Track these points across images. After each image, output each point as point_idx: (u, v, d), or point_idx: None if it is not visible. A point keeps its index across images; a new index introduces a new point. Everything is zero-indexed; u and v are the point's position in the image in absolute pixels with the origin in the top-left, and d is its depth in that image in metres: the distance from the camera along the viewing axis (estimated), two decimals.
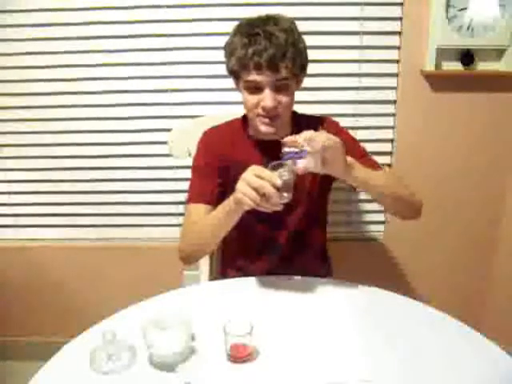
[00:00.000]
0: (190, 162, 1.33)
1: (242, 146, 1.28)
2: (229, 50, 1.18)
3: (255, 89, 1.15)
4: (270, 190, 0.95)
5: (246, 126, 1.30)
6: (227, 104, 1.66)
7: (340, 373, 0.89)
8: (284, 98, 1.15)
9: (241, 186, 0.99)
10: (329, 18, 1.59)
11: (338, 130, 1.29)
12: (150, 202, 1.81)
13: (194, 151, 1.34)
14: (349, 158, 1.06)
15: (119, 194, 1.80)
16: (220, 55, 1.62)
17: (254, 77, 1.12)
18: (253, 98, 1.16)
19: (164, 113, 1.70)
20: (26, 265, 1.89)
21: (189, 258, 1.25)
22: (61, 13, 1.60)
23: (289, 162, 0.99)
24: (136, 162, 1.77)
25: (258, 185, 0.96)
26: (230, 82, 1.64)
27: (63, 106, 1.71)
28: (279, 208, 1.00)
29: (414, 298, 1.13)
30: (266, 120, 1.17)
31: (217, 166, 1.26)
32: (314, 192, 1.30)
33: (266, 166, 1.00)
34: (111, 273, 1.88)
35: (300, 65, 1.16)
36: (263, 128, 1.19)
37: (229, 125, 1.33)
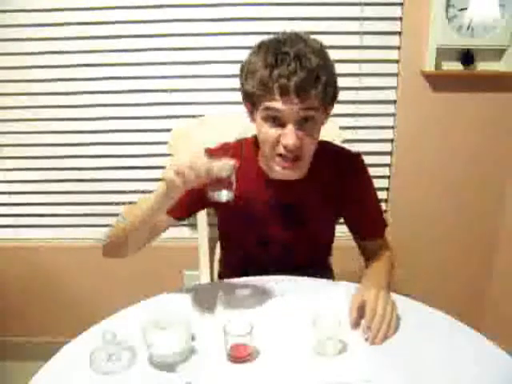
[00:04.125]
0: None
1: (249, 180, 1.08)
2: (247, 70, 0.99)
3: (275, 120, 0.97)
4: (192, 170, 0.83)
5: (256, 155, 1.11)
6: (227, 104, 1.66)
7: (340, 373, 0.89)
8: (309, 138, 0.98)
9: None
10: (329, 18, 1.59)
11: (360, 168, 1.17)
12: None
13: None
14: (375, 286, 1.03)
15: (119, 194, 1.80)
16: (220, 55, 1.64)
17: (277, 104, 0.94)
18: (273, 132, 0.97)
19: (164, 113, 1.70)
20: (25, 265, 1.89)
21: (108, 252, 1.11)
22: (61, 13, 1.60)
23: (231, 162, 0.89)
24: (136, 161, 1.77)
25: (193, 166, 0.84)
26: (230, 82, 1.66)
27: (63, 106, 1.71)
28: (219, 198, 0.90)
29: (414, 298, 1.13)
30: (287, 164, 1.00)
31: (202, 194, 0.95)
32: (321, 226, 1.22)
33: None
34: (111, 273, 1.88)
35: (332, 94, 1.00)
36: (281, 171, 1.02)
37: (237, 148, 1.12)
